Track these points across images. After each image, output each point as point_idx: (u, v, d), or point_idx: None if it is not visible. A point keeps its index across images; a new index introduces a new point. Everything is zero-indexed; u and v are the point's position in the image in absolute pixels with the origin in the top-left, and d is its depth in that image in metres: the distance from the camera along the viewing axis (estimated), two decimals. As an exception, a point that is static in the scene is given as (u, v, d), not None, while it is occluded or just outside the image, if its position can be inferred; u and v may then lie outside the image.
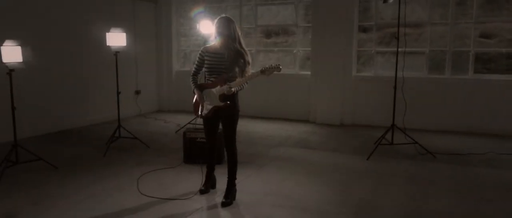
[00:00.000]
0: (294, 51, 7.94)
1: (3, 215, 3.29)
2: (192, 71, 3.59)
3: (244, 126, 6.93)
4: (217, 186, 3.91)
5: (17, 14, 5.90)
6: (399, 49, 5.27)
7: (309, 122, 7.50)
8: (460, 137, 6.28)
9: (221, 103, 3.44)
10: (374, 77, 7.19)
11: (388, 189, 4.00)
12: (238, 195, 3.67)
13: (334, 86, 7.25)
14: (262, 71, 3.34)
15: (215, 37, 3.48)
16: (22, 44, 4.30)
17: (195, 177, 4.02)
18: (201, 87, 3.55)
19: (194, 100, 3.62)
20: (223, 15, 3.51)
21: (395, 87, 5.27)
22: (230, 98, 3.46)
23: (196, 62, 3.57)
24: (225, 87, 3.37)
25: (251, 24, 8.27)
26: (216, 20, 3.47)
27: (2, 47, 4.14)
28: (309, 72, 7.63)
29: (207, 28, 6.03)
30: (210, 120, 3.60)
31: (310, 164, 4.87)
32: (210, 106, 3.50)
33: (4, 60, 4.17)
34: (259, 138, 6.24)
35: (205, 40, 6.29)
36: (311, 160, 5.03)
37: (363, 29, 7.40)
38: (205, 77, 3.66)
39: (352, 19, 7.16)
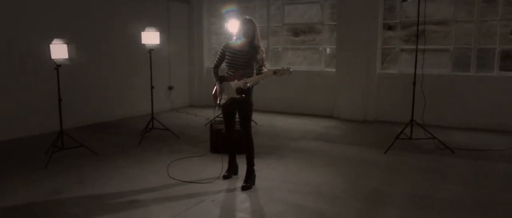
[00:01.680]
0: (320, 49, 8.17)
1: (52, 191, 3.78)
2: (214, 64, 3.99)
3: (268, 121, 7.25)
4: (239, 173, 4.25)
5: (63, 15, 6.49)
6: (422, 47, 5.40)
7: (332, 118, 7.71)
8: (482, 134, 6.32)
9: (237, 96, 3.81)
10: (398, 75, 7.31)
11: (400, 180, 4.20)
12: (257, 181, 4.00)
13: (358, 83, 7.42)
14: (275, 72, 3.66)
15: (238, 37, 3.84)
16: (67, 43, 4.81)
17: (219, 165, 4.39)
18: (221, 80, 3.93)
19: (214, 91, 4.01)
20: (247, 17, 3.87)
21: (414, 83, 5.42)
22: (245, 92, 3.81)
23: (217, 56, 3.96)
24: (241, 81, 3.74)
25: (278, 23, 8.56)
26: (240, 21, 3.84)
27: (51, 45, 4.67)
28: (334, 70, 7.84)
29: (234, 27, 6.39)
30: (228, 111, 3.98)
31: (328, 155, 5.13)
32: (227, 97, 3.88)
33: (53, 56, 4.70)
34: (282, 132, 6.54)
35: (232, 37, 6.65)
36: (330, 152, 5.29)
37: (389, 27, 7.53)
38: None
39: (376, 17, 7.31)
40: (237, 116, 4.06)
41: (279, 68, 3.67)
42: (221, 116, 6.12)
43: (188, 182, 4.06)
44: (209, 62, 9.46)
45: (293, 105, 8.25)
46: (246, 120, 3.90)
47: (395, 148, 5.27)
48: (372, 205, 3.52)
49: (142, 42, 6.07)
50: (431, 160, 4.89)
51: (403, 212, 3.35)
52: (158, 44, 6.22)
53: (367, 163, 4.78)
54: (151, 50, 6.06)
